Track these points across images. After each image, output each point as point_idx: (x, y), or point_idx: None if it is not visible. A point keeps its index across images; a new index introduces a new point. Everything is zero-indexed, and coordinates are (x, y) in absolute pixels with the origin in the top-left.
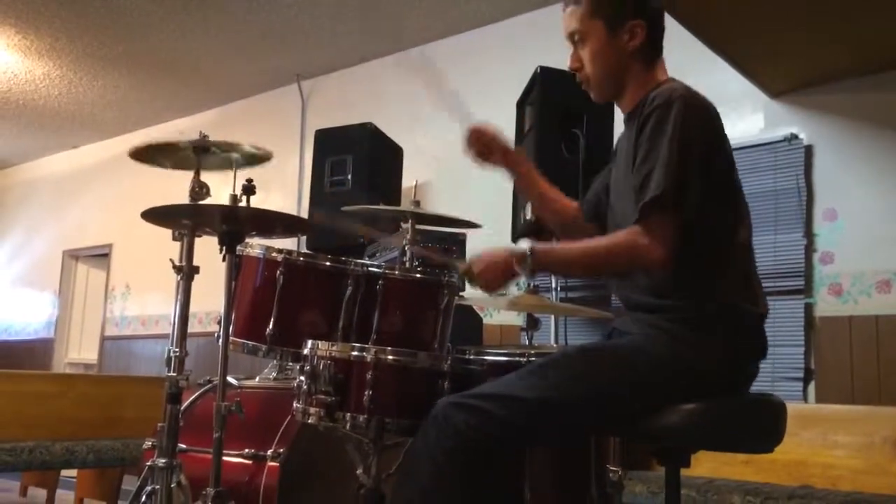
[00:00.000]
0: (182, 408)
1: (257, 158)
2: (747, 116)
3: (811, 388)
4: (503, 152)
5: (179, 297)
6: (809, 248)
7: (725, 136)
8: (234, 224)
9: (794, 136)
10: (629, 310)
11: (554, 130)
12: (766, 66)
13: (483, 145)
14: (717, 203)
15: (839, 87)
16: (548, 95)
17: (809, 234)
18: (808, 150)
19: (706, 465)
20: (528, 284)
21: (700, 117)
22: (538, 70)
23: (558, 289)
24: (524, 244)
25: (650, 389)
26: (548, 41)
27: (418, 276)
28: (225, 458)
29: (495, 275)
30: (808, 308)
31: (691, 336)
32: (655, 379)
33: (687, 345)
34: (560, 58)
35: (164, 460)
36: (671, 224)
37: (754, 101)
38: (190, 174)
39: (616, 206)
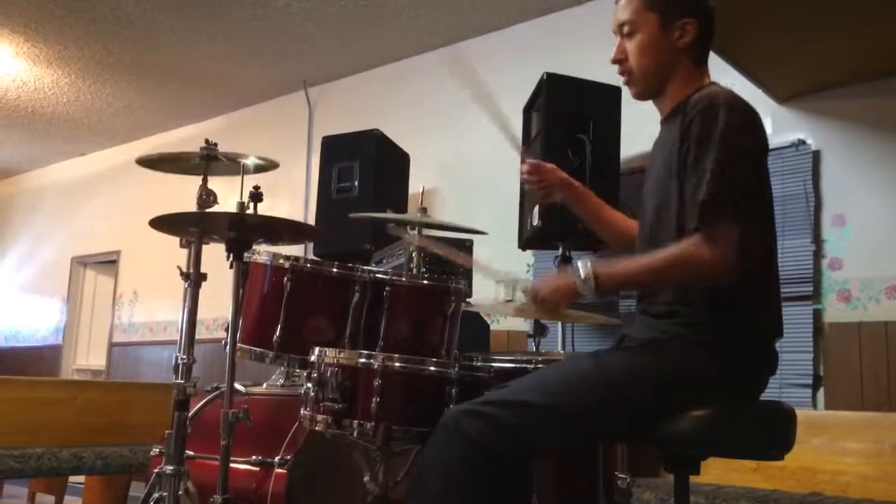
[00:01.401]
0: (190, 415)
1: (264, 167)
2: None
3: (820, 394)
4: (563, 186)
5: (187, 303)
6: (818, 254)
7: (766, 141)
8: (242, 231)
9: (802, 142)
10: (641, 314)
11: (560, 136)
12: (774, 72)
13: (545, 183)
14: (753, 211)
15: (847, 92)
16: (554, 101)
17: (818, 240)
18: (816, 156)
19: (714, 471)
20: None
21: (746, 120)
22: (544, 76)
23: None
24: (584, 264)
25: (660, 397)
26: (554, 47)
27: (425, 282)
28: (232, 465)
29: (561, 298)
30: (817, 314)
31: (704, 343)
32: (666, 386)
33: (699, 352)
34: (567, 63)
35: (171, 467)
36: (732, 231)
37: (762, 106)
38: (197, 181)
39: (647, 204)
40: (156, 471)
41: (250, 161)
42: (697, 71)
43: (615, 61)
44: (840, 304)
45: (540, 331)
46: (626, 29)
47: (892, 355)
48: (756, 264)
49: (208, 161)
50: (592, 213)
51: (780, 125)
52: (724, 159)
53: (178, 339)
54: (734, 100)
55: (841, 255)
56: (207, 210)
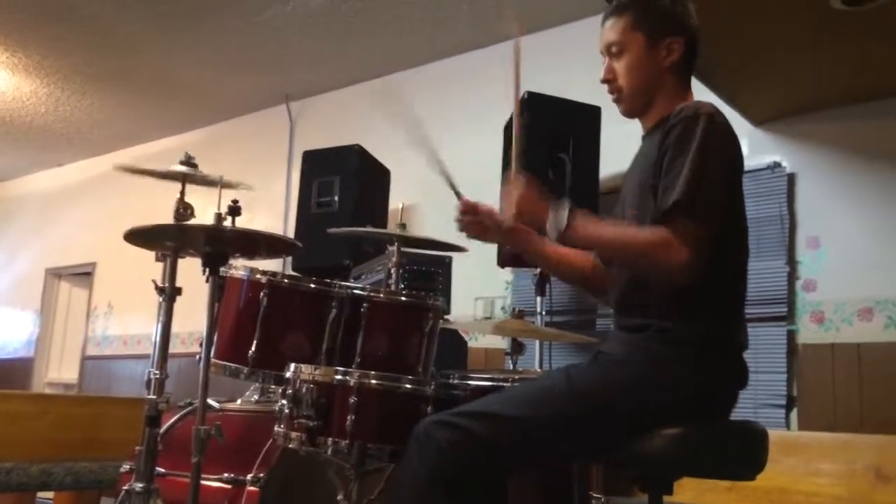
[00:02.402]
0: (161, 431)
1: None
2: None
3: (794, 415)
4: (504, 231)
5: (161, 318)
6: (792, 276)
7: (742, 163)
8: (218, 245)
9: (778, 164)
10: (616, 329)
11: (540, 155)
12: (750, 95)
13: (477, 226)
14: (726, 228)
15: (822, 116)
16: (535, 120)
17: (792, 262)
18: (791, 178)
19: (689, 492)
20: (513, 308)
21: (725, 136)
22: (526, 95)
23: (543, 313)
24: (564, 203)
25: (633, 410)
26: (535, 66)
27: (403, 299)
28: (204, 483)
29: (527, 207)
30: (791, 335)
31: (676, 357)
32: (638, 399)
33: (671, 365)
34: (547, 83)
35: (141, 484)
36: (698, 231)
37: (738, 128)
38: (175, 194)
39: (625, 214)
40: (125, 488)
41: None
42: (683, 88)
43: (605, 81)
44: (813, 325)
45: (517, 349)
46: (613, 49)
47: (864, 377)
48: (727, 279)
49: (186, 175)
50: (540, 253)
51: (756, 147)
52: (700, 165)
53: (152, 353)
54: (716, 113)
55: (815, 277)
56: (184, 223)
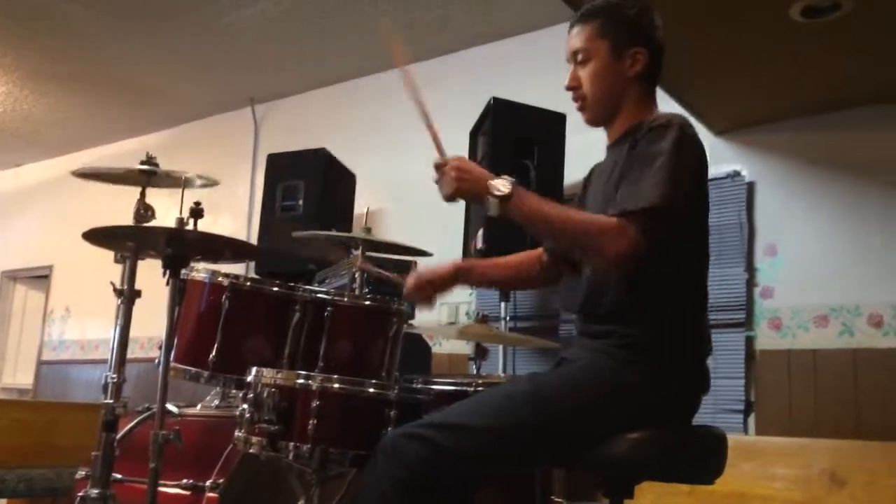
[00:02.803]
0: (118, 436)
1: (205, 184)
2: None
3: (751, 419)
4: (446, 283)
5: (119, 320)
6: (751, 283)
7: (707, 174)
8: (180, 247)
9: (737, 173)
10: (579, 335)
11: (506, 160)
12: (711, 105)
13: (427, 292)
14: (689, 235)
15: (781, 126)
16: (500, 126)
17: (751, 269)
18: (751, 187)
19: (649, 496)
20: (478, 313)
21: (695, 147)
22: (492, 101)
23: (507, 319)
24: (507, 177)
25: (597, 415)
26: (502, 73)
27: (367, 303)
28: (161, 489)
29: (467, 181)
30: (749, 341)
31: (638, 363)
32: (602, 404)
33: (633, 371)
34: (515, 89)
35: (97, 490)
36: (646, 233)
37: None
38: (136, 196)
39: None
40: (80, 494)
41: (192, 175)
42: (647, 99)
43: (569, 88)
44: (771, 331)
45: (481, 354)
46: (579, 57)
47: (819, 383)
48: (689, 286)
49: (148, 175)
50: (490, 281)
51: (717, 156)
52: (666, 167)
53: (110, 356)
54: (687, 125)
55: (772, 284)
56: (145, 224)
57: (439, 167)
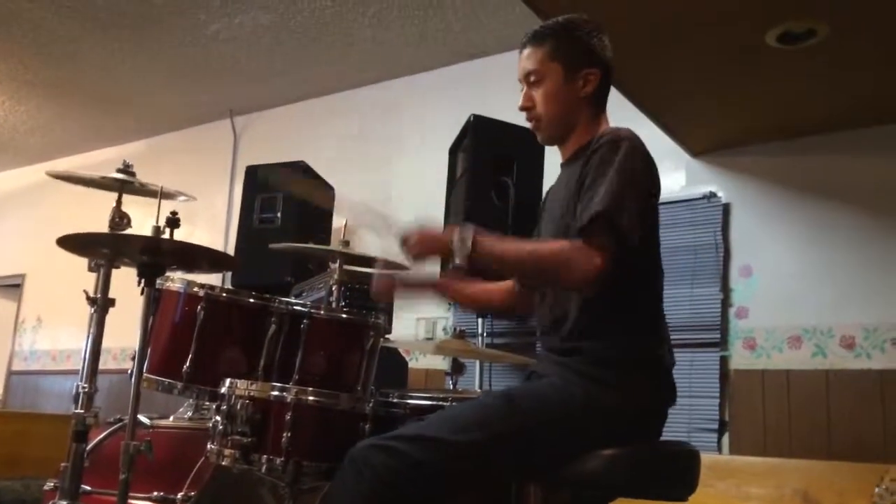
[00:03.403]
0: (88, 447)
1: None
2: (669, 173)
3: (725, 439)
4: (419, 289)
5: (92, 329)
6: (726, 303)
7: (659, 189)
8: (155, 256)
9: (713, 195)
10: (546, 351)
11: (485, 177)
12: (688, 127)
13: (391, 293)
14: (642, 249)
15: (756, 149)
16: (480, 143)
17: (726, 289)
18: (726, 208)
19: None
20: (455, 329)
21: (644, 160)
22: (471, 118)
23: (484, 335)
24: (467, 228)
25: (566, 430)
26: (481, 90)
27: (344, 316)
28: (132, 502)
29: (428, 248)
30: (724, 361)
31: (602, 377)
32: (570, 419)
33: (600, 386)
34: (494, 107)
35: (65, 502)
36: (606, 241)
37: (676, 159)
38: (111, 205)
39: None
40: None
41: (170, 190)
42: (599, 117)
43: (523, 108)
44: (745, 351)
45: (458, 369)
46: (532, 78)
47: (793, 403)
48: (646, 299)
49: (123, 183)
50: (463, 297)
51: (693, 177)
52: (619, 183)
53: (81, 366)
54: (635, 138)
55: (747, 305)
56: (120, 232)
57: (405, 242)
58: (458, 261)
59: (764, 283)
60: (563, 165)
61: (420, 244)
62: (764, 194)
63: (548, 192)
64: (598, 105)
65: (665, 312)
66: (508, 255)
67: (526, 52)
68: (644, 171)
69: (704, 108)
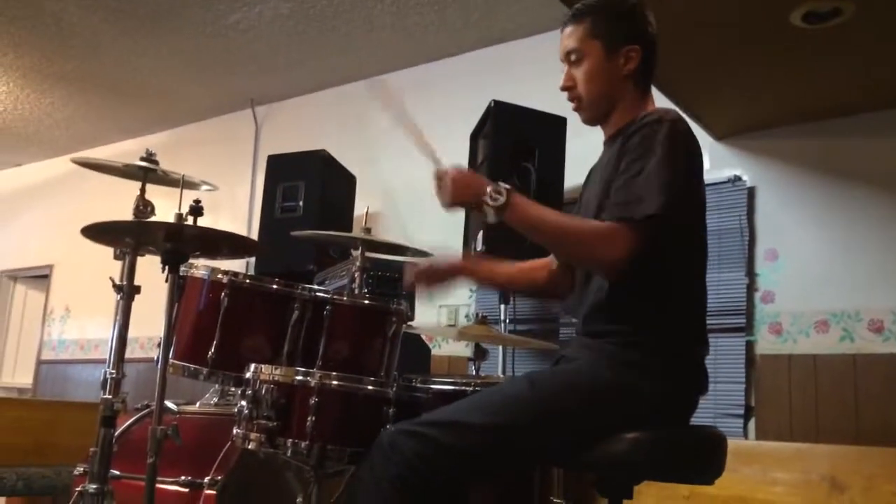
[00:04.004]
0: (117, 433)
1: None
2: None
3: (751, 424)
4: (452, 273)
5: (118, 317)
6: (751, 287)
7: (702, 169)
8: (178, 243)
9: (738, 178)
10: (578, 335)
11: (506, 163)
12: (712, 110)
13: (432, 281)
14: (681, 232)
15: (782, 132)
16: (501, 129)
17: (751, 274)
18: (751, 192)
19: (648, 499)
20: (477, 315)
21: (685, 142)
22: (492, 103)
23: (507, 322)
24: (504, 184)
25: (595, 414)
26: (502, 76)
27: (366, 302)
28: (160, 486)
29: (461, 191)
30: (749, 346)
31: (637, 361)
32: (601, 403)
33: (632, 369)
34: (515, 93)
35: (94, 486)
36: (641, 234)
37: (700, 142)
38: (136, 195)
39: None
40: (78, 490)
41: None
42: (643, 96)
43: (564, 88)
44: (771, 336)
45: (480, 355)
46: (573, 57)
47: (820, 388)
48: (688, 286)
49: (146, 172)
50: (497, 280)
51: (717, 161)
52: (656, 165)
53: (108, 352)
54: (679, 120)
55: (773, 289)
56: (144, 220)
57: (439, 177)
58: (490, 214)
59: (790, 266)
60: (605, 143)
61: (454, 184)
62: (789, 177)
63: (590, 171)
64: (642, 83)
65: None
66: (541, 220)
67: (566, 30)
68: (685, 153)
69: (728, 90)
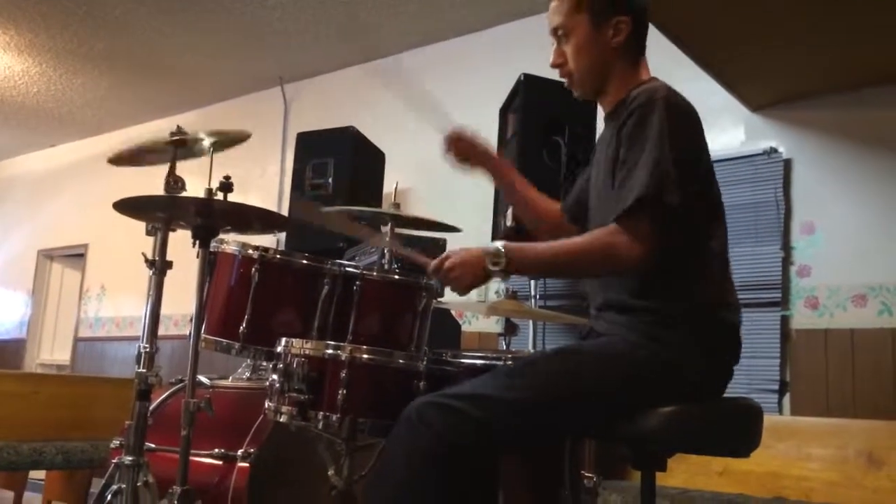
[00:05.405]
0: (152, 406)
1: (233, 139)
2: (728, 129)
3: (786, 400)
4: (484, 156)
5: (151, 292)
6: (787, 261)
7: (705, 139)
8: (209, 218)
9: (774, 150)
10: (601, 310)
11: (536, 138)
12: (747, 80)
13: (462, 149)
14: (697, 207)
15: (818, 102)
16: (531, 103)
17: (787, 247)
18: (787, 164)
19: (680, 475)
20: (507, 290)
21: (682, 119)
22: (522, 77)
23: (537, 296)
24: (497, 243)
25: (625, 388)
26: (532, 50)
27: (396, 277)
28: (194, 459)
29: (466, 273)
30: (785, 320)
31: (665, 335)
32: (628, 377)
33: (661, 343)
34: (544, 67)
35: (130, 458)
36: (650, 224)
37: (735, 114)
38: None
39: (595, 207)
40: (114, 461)
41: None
42: (636, 67)
43: (554, 65)
44: (807, 310)
45: (511, 330)
46: (560, 32)
47: (857, 362)
48: (709, 255)
49: (176, 146)
50: (511, 189)
51: (753, 133)
52: (655, 157)
53: (142, 327)
54: (671, 97)
55: (809, 263)
56: (174, 195)
57: (437, 272)
58: (500, 277)
59: (827, 240)
60: (605, 119)
61: (455, 272)
62: (826, 149)
63: (597, 143)
64: (634, 54)
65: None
66: (547, 260)
67: (552, 5)
68: (684, 129)
69: (764, 61)
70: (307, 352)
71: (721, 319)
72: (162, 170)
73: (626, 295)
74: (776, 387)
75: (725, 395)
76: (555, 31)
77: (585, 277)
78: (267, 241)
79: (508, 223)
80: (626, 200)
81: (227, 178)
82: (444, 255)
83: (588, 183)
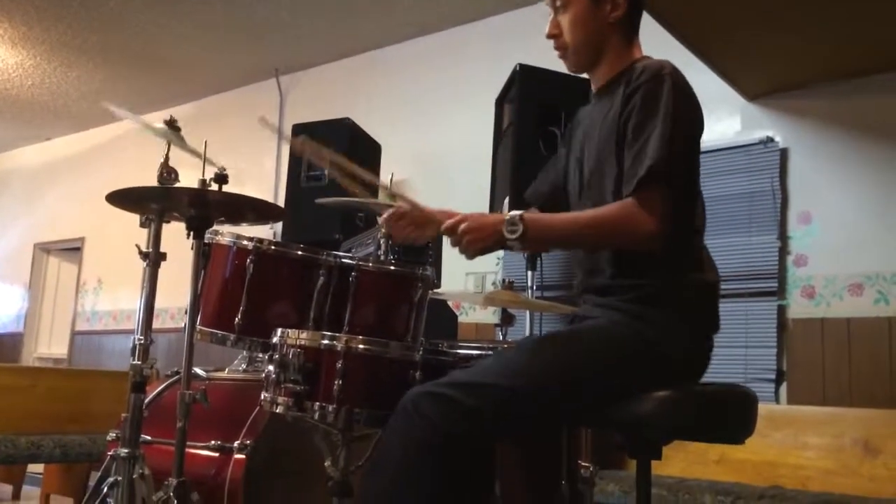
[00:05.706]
0: (148, 399)
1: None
2: (724, 118)
3: (783, 389)
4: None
5: (146, 284)
6: (783, 251)
7: (703, 124)
8: (203, 209)
9: (770, 139)
10: (586, 292)
11: (532, 128)
12: (743, 69)
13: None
14: (689, 188)
15: (815, 91)
16: (527, 93)
17: (783, 237)
18: (784, 153)
19: (677, 464)
20: (504, 281)
21: (688, 97)
22: (517, 68)
23: (534, 288)
24: (514, 212)
25: (614, 369)
26: (527, 40)
27: (392, 268)
28: (190, 450)
29: (480, 238)
30: (781, 310)
31: (649, 313)
32: (618, 358)
33: (645, 322)
34: (540, 57)
35: (126, 450)
36: (666, 198)
37: (731, 103)
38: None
39: (592, 181)
40: (110, 454)
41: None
42: (630, 45)
43: (550, 36)
44: (804, 300)
45: (507, 320)
46: (558, 4)
47: (853, 351)
48: (690, 236)
49: (169, 133)
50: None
51: (749, 122)
52: (666, 131)
53: (136, 319)
54: (677, 73)
55: (806, 252)
56: (168, 186)
57: (451, 233)
58: (515, 246)
59: (823, 229)
60: (595, 95)
61: (470, 234)
62: (823, 138)
63: (578, 120)
64: (628, 32)
65: (720, 260)
66: (564, 230)
67: None
68: (689, 110)
69: (760, 50)
70: (303, 342)
71: (702, 296)
72: (156, 161)
73: (608, 274)
74: (773, 376)
75: (720, 382)
76: (553, 2)
77: (601, 250)
78: (263, 232)
79: (513, 247)
80: (638, 173)
81: (222, 168)
82: (460, 216)
83: (567, 164)
